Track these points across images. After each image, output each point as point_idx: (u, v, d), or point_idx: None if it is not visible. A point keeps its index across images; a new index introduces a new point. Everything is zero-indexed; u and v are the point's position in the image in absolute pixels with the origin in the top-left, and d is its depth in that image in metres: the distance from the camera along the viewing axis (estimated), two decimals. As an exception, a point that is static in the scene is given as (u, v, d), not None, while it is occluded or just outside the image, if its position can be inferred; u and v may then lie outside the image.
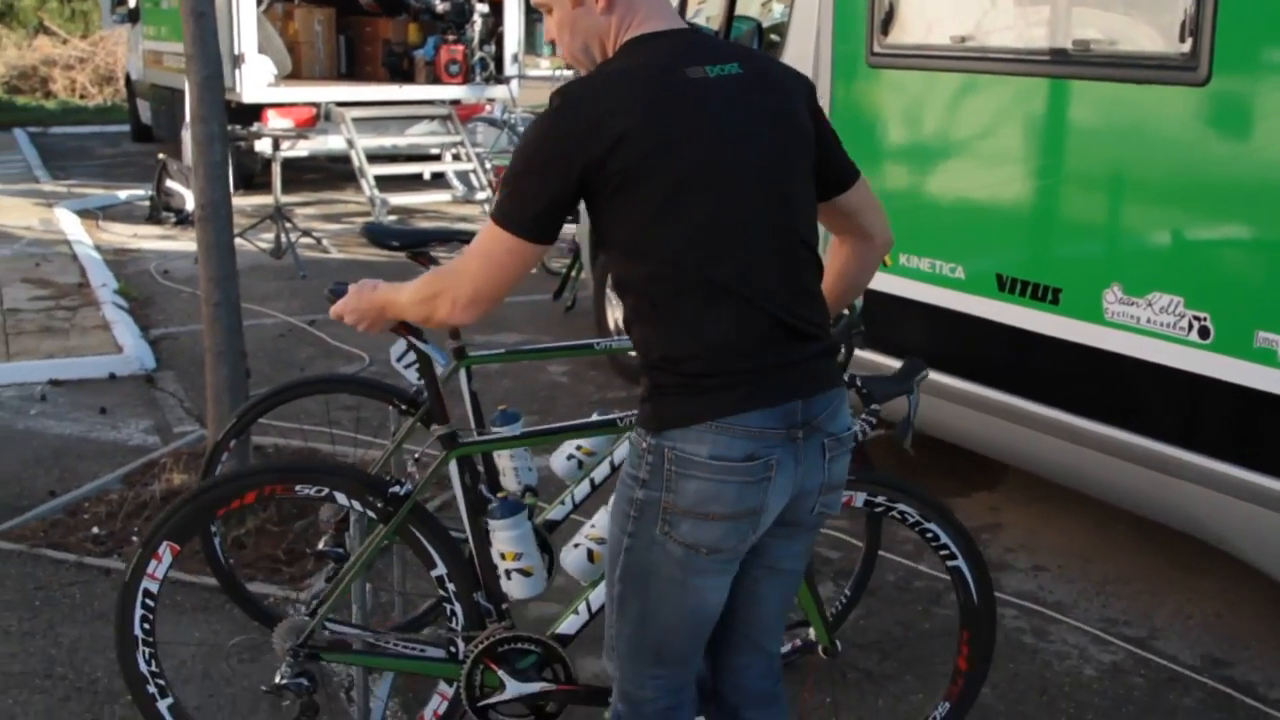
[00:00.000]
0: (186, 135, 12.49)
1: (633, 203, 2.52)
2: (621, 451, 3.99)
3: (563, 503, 3.98)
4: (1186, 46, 4.17)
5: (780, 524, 2.68)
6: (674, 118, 2.52)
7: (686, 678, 2.81)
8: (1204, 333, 4.22)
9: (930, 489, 3.58)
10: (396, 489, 3.40)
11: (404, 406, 4.10)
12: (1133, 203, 4.49)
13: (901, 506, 3.43)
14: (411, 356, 3.95)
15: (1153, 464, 4.43)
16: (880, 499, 3.44)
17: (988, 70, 4.88)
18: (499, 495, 3.59)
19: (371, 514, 3.41)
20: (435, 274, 2.75)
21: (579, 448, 3.94)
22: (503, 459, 4.05)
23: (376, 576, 4.72)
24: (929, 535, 3.44)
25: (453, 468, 3.49)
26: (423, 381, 3.72)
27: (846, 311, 3.37)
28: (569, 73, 18.71)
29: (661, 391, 2.58)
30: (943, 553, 3.46)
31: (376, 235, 3.98)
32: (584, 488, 3.98)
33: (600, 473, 3.98)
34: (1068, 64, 4.59)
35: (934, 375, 5.05)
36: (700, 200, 2.52)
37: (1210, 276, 4.23)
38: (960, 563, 3.45)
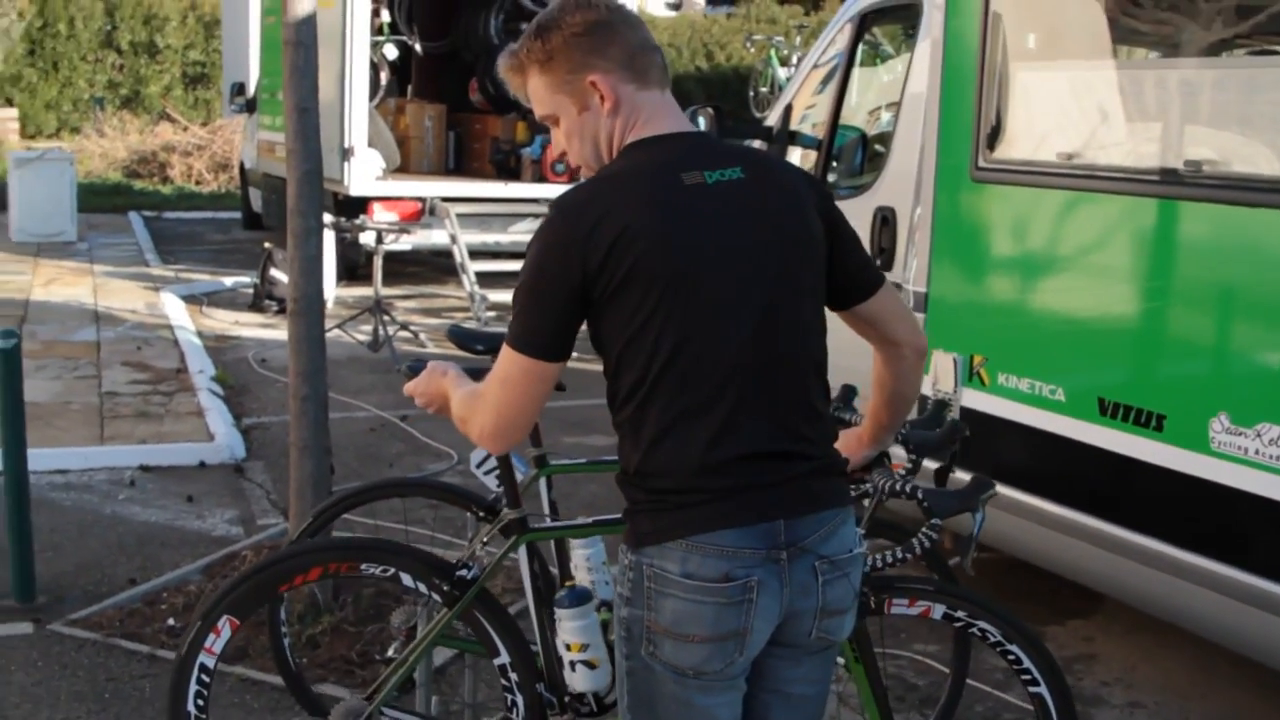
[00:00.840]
0: (292, 225, 12.75)
1: (622, 309, 2.47)
2: None
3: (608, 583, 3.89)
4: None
5: (781, 646, 2.60)
6: (666, 223, 2.47)
7: None
8: (1316, 468, 4.03)
9: (1014, 611, 3.43)
10: (463, 572, 3.33)
11: (482, 513, 4.03)
12: (1241, 329, 4.32)
13: (983, 624, 3.29)
14: (492, 462, 3.89)
15: (1260, 603, 4.23)
16: (960, 614, 3.30)
17: (1096, 189, 4.75)
18: (568, 583, 3.49)
19: (437, 596, 3.33)
20: (470, 395, 2.71)
21: None
22: (577, 555, 3.94)
23: (448, 688, 4.63)
24: (1011, 657, 3.29)
25: (522, 553, 3.41)
26: (502, 489, 3.66)
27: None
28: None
29: (637, 507, 2.54)
30: (1025, 678, 3.30)
31: (461, 338, 3.94)
32: None
33: None
34: (1178, 184, 4.45)
35: (1029, 499, 4.92)
36: (683, 311, 2.46)
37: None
38: (1043, 689, 3.29)
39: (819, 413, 2.61)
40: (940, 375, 5.28)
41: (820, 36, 7.22)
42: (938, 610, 3.28)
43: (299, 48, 4.94)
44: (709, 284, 2.49)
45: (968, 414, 5.01)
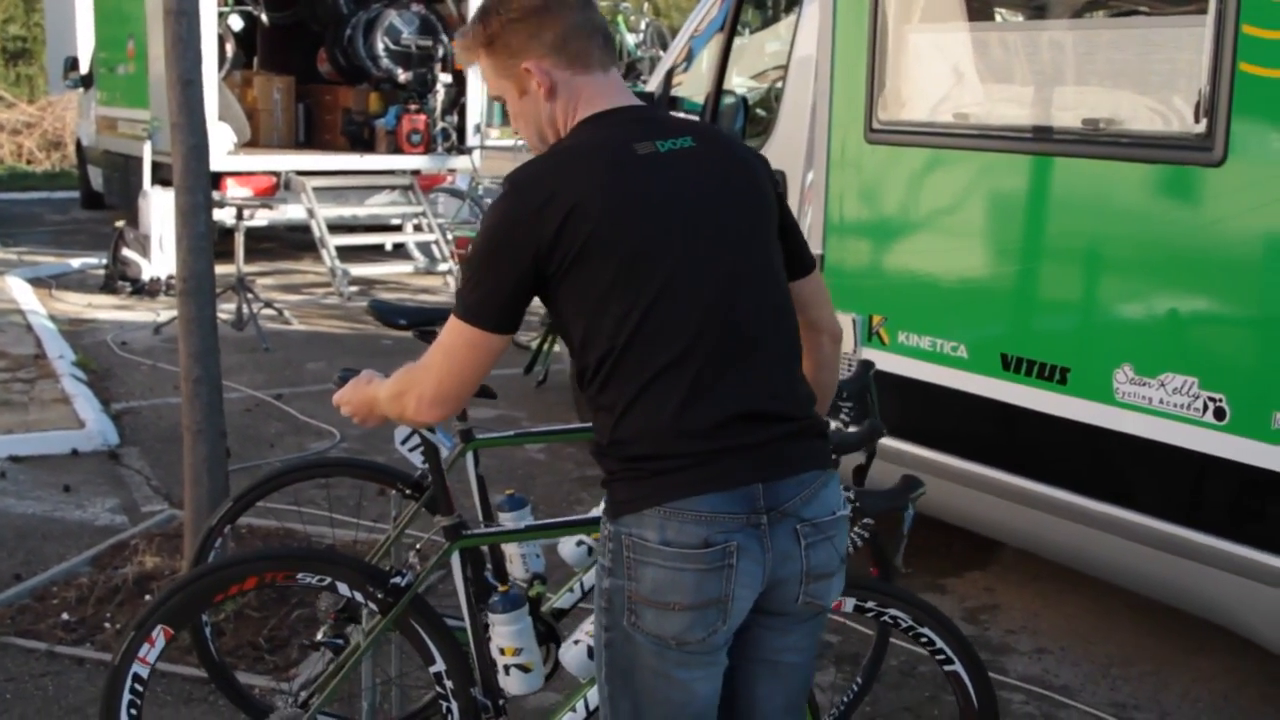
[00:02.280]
0: (143, 203, 12.42)
1: (581, 282, 2.47)
2: None
3: (571, 590, 3.86)
4: (1202, 127, 4.13)
5: (767, 614, 2.58)
6: (622, 193, 2.47)
7: None
8: (1219, 414, 4.16)
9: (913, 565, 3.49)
10: (398, 580, 3.29)
11: (408, 491, 3.96)
12: (1141, 281, 4.43)
13: (893, 611, 3.33)
14: (416, 440, 3.82)
15: (1163, 545, 4.35)
16: (871, 604, 3.33)
17: (989, 148, 4.82)
18: (501, 589, 3.46)
19: (373, 605, 3.30)
20: (406, 370, 2.67)
21: (589, 532, 3.82)
22: (510, 544, 3.92)
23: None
24: (924, 640, 3.34)
25: (455, 560, 3.37)
26: (427, 466, 3.60)
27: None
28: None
29: (614, 476, 2.53)
30: (940, 658, 3.35)
31: (383, 312, 3.85)
32: (593, 574, 3.85)
33: None
34: (1077, 142, 4.55)
35: (934, 455, 5.00)
36: (649, 277, 2.46)
37: (1226, 358, 4.18)
38: (958, 667, 3.34)
39: (793, 373, 2.61)
40: (838, 336, 5.32)
41: (700, 2, 7.22)
42: (848, 604, 3.33)
43: (181, 17, 4.78)
44: (671, 250, 2.48)
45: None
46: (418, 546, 3.55)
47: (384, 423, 2.87)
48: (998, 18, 5.16)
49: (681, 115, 2.93)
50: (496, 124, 18.70)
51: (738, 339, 2.51)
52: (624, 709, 2.58)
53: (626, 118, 2.60)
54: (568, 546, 3.85)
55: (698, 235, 2.51)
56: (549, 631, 3.73)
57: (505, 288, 2.48)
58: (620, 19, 19.51)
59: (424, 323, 3.83)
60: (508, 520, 3.91)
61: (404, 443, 3.93)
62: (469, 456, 3.95)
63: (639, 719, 2.57)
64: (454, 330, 2.53)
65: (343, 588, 3.31)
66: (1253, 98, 4.04)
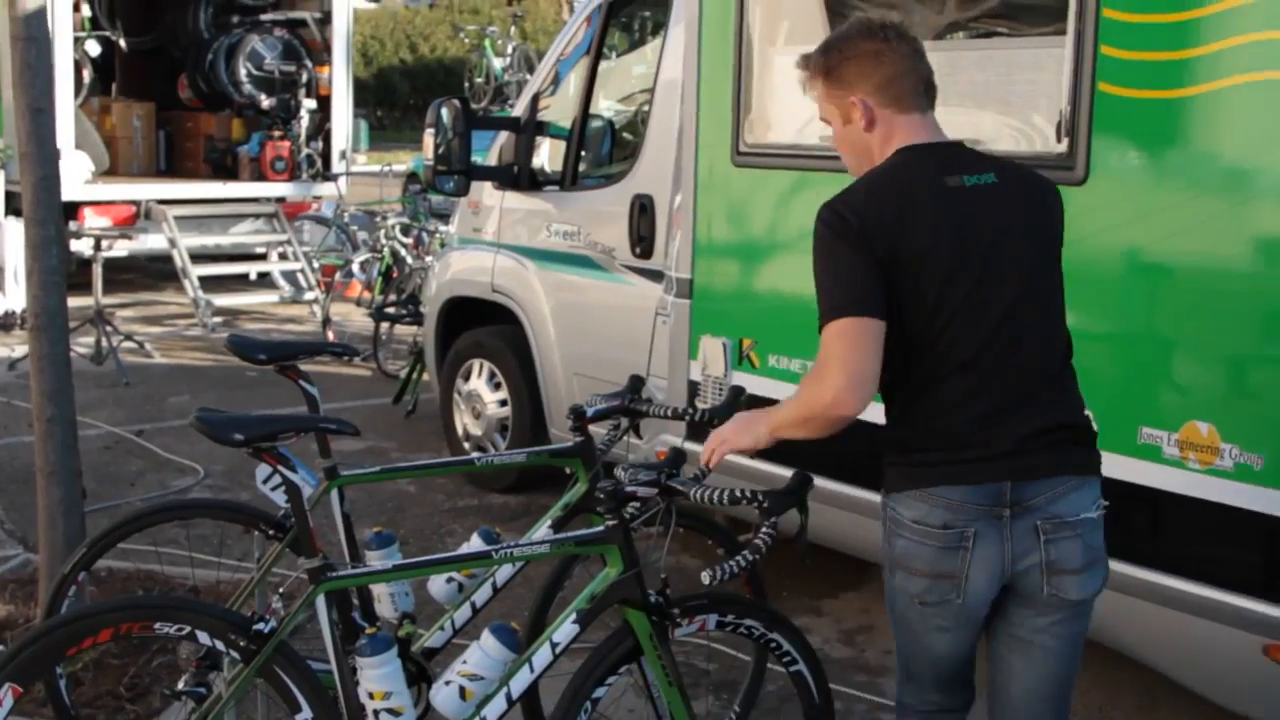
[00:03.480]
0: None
1: (892, 293, 2.82)
2: (503, 574, 3.79)
3: (442, 629, 3.78)
4: (1063, 146, 4.17)
5: (1019, 598, 2.98)
6: (932, 219, 2.86)
7: (943, 703, 3.20)
8: (1087, 431, 4.18)
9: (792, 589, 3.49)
10: (260, 626, 3.18)
11: (271, 532, 3.84)
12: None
13: (748, 622, 3.49)
14: (277, 479, 3.71)
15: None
16: (730, 617, 3.47)
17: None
18: (369, 630, 3.36)
19: (235, 653, 3.19)
20: (798, 390, 2.94)
21: (459, 569, 3.74)
22: (378, 583, 3.82)
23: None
24: (773, 644, 3.53)
25: (321, 603, 3.26)
26: (290, 505, 3.49)
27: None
28: (400, 167, 18.53)
29: (888, 460, 3.01)
30: (785, 659, 3.56)
31: (243, 348, 3.74)
32: (464, 612, 3.78)
33: (481, 596, 3.79)
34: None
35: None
36: (948, 300, 2.83)
37: (1091, 374, 4.19)
38: (801, 666, 3.56)
39: (1058, 384, 2.98)
40: (709, 360, 5.30)
41: (566, 25, 7.17)
42: (711, 621, 3.45)
43: (30, 43, 4.64)
44: (969, 273, 2.84)
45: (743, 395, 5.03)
46: (281, 590, 3.43)
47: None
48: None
49: (986, 151, 3.12)
50: (363, 149, 18.49)
51: (1014, 354, 2.90)
52: (899, 640, 3.15)
53: (939, 152, 2.99)
54: (437, 584, 3.77)
55: (994, 261, 2.88)
56: (420, 672, 3.64)
57: (862, 278, 2.82)
58: (487, 43, 19.46)
59: (285, 357, 3.73)
60: (375, 558, 3.82)
61: (265, 481, 3.82)
62: (334, 493, 3.84)
63: (901, 650, 3.16)
64: (833, 333, 2.80)
65: (203, 636, 3.20)
66: (1112, 117, 4.09)
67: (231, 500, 4.89)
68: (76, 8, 13.16)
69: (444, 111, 6.59)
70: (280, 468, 3.21)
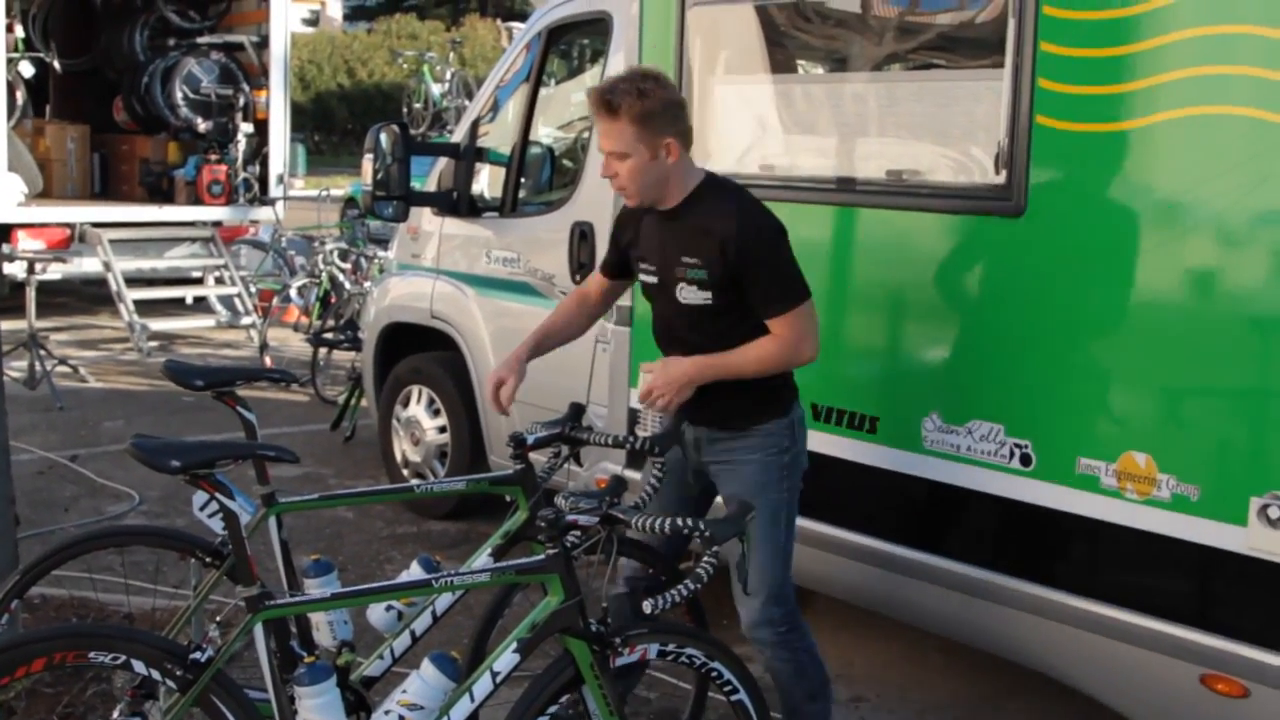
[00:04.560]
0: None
1: None
2: (443, 602, 3.77)
3: (381, 657, 3.75)
4: (1001, 178, 4.21)
5: None
6: None
7: None
8: (1025, 460, 4.23)
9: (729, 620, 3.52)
10: (197, 655, 3.14)
11: (207, 559, 3.80)
12: (949, 332, 4.49)
13: (689, 651, 3.49)
14: (215, 506, 3.67)
15: (973, 590, 4.40)
16: (671, 647, 3.47)
17: (800, 199, 4.82)
18: (307, 659, 3.32)
19: (171, 683, 3.15)
20: (758, 348, 3.78)
21: (399, 598, 3.72)
22: (316, 612, 3.79)
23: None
24: (714, 674, 3.54)
25: (259, 631, 3.22)
26: (227, 532, 3.45)
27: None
28: (338, 192, 18.40)
29: (779, 385, 3.94)
30: (727, 688, 3.56)
31: (179, 374, 3.70)
32: (404, 640, 3.76)
33: (421, 624, 3.76)
34: (882, 194, 4.61)
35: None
36: None
37: (1031, 405, 4.25)
38: (743, 695, 3.57)
39: None
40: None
41: (505, 52, 7.17)
42: (653, 650, 3.44)
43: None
44: None
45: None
46: (219, 618, 3.40)
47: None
48: (801, 70, 5.21)
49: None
50: (301, 174, 18.39)
51: None
52: (784, 554, 4.03)
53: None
54: (376, 612, 3.74)
55: None
56: (359, 701, 3.61)
57: None
58: (426, 69, 19.44)
59: (222, 384, 3.69)
60: (313, 586, 3.78)
61: (202, 508, 3.78)
62: (272, 521, 3.81)
63: (790, 542, 4.08)
64: (804, 310, 3.81)
65: (139, 665, 3.16)
66: (1050, 150, 4.13)
67: (167, 527, 4.84)
68: (10, 29, 13.05)
69: (383, 137, 6.56)
70: (217, 495, 3.18)
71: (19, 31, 13.54)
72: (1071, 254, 4.15)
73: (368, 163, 6.53)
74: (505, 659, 3.22)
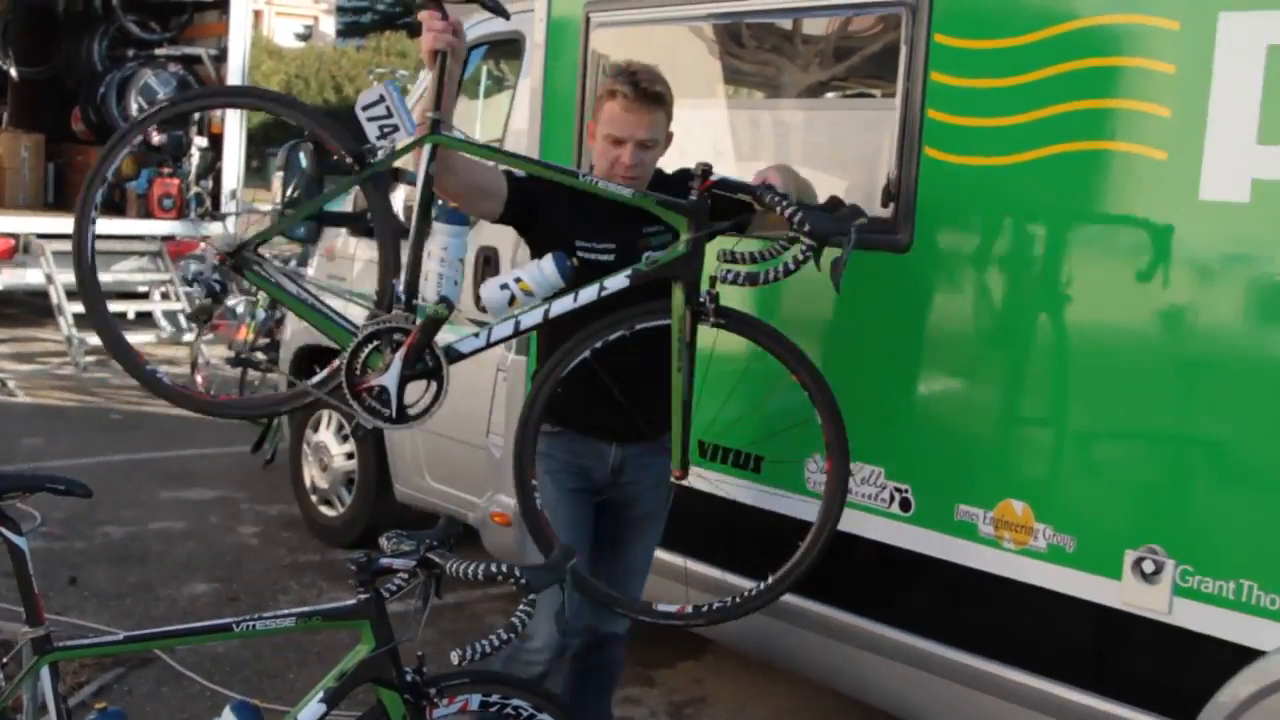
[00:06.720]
0: None
1: None
2: (560, 305, 3.63)
3: (476, 335, 3.66)
4: (889, 211, 4.06)
5: None
6: None
7: None
8: (905, 505, 4.07)
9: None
10: None
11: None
12: (833, 368, 4.30)
13: (515, 702, 3.31)
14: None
15: (853, 640, 4.23)
16: (495, 697, 3.28)
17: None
18: (98, 705, 3.09)
19: None
20: None
21: (518, 280, 3.64)
22: (430, 263, 3.66)
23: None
24: None
25: (45, 674, 3.02)
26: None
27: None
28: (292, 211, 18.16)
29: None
30: None
31: None
32: (505, 327, 3.66)
33: (529, 319, 3.65)
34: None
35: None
36: None
37: (911, 448, 4.09)
38: None
39: None
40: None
41: (421, 73, 7.00)
42: (474, 701, 3.26)
43: None
44: None
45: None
46: (4, 660, 3.19)
47: None
48: (702, 94, 5.05)
49: None
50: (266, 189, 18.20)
51: None
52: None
53: None
54: (491, 288, 3.72)
55: None
56: (435, 368, 3.63)
57: None
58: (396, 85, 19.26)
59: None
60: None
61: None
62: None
63: None
64: None
65: None
66: (938, 183, 3.98)
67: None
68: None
69: (298, 154, 6.38)
70: (3, 529, 2.99)
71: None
72: (956, 292, 4.01)
73: (277, 181, 6.35)
74: (310, 709, 3.04)
